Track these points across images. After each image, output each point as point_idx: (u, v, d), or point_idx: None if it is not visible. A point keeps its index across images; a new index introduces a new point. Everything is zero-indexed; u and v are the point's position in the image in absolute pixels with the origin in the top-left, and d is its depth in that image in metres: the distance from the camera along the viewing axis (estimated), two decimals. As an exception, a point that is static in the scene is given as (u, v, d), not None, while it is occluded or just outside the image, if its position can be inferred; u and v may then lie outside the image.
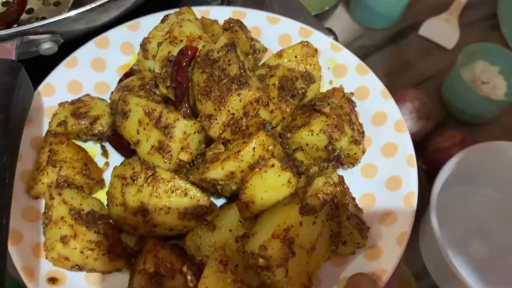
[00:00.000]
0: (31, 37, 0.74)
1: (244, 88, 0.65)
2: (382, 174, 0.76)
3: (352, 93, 0.81)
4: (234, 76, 0.66)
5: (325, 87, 0.86)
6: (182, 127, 0.67)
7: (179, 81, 0.69)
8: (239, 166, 0.65)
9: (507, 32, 1.34)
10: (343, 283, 0.65)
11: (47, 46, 0.76)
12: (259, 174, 0.63)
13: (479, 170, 1.12)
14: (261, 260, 0.58)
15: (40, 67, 0.78)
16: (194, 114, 0.70)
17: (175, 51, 0.72)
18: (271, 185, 0.63)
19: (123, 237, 0.69)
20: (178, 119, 0.67)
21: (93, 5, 0.76)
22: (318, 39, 0.88)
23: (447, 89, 1.19)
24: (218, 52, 0.68)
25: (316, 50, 0.82)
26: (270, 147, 0.67)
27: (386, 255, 0.67)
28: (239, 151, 0.65)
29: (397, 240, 0.68)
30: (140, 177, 0.66)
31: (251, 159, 0.65)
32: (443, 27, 1.36)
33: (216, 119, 0.65)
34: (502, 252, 1.14)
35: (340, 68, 0.87)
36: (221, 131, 0.66)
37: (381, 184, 0.75)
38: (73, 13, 0.74)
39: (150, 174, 0.65)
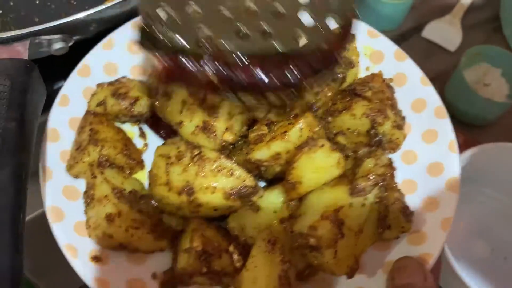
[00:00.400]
0: (43, 37, 0.74)
1: (290, 69, 0.65)
2: (423, 159, 0.75)
3: (391, 79, 0.81)
4: (280, 57, 0.65)
5: (362, 74, 0.86)
6: (228, 107, 0.67)
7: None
8: (286, 147, 0.64)
9: (509, 34, 1.33)
10: (388, 267, 0.65)
11: (58, 46, 0.76)
12: (308, 154, 0.62)
13: (481, 171, 1.11)
14: (311, 239, 0.58)
15: (49, 67, 0.78)
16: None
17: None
18: (320, 166, 0.62)
19: (164, 218, 0.69)
20: (224, 100, 0.67)
21: (103, 6, 0.77)
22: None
23: (449, 91, 1.18)
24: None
25: (354, 35, 0.81)
26: (316, 129, 0.66)
27: (430, 240, 0.66)
28: (285, 131, 0.64)
29: (441, 225, 0.67)
30: (186, 156, 0.65)
31: (297, 140, 0.64)
32: (446, 29, 1.35)
33: (263, 100, 0.65)
34: (504, 252, 1.13)
35: (377, 55, 0.86)
36: (267, 112, 0.66)
37: (422, 170, 0.74)
38: (83, 14, 0.75)
39: (196, 153, 0.65)
